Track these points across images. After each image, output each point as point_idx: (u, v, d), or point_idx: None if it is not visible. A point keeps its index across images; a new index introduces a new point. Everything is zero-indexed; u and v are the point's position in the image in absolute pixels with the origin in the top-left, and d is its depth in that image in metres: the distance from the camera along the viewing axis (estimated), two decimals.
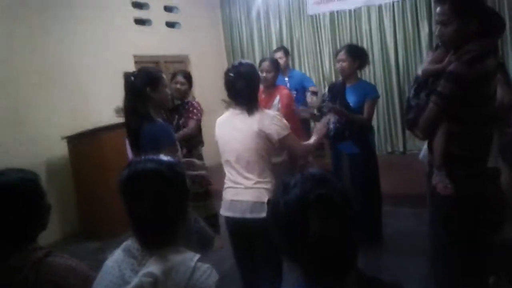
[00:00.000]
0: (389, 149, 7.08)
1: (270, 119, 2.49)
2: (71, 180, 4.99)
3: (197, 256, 1.34)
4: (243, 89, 2.52)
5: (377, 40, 6.98)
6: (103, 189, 4.47)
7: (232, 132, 2.56)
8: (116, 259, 1.36)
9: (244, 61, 2.72)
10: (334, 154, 3.91)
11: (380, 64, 6.97)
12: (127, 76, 2.64)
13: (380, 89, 6.96)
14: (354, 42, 7.01)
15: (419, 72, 2.43)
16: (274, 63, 4.00)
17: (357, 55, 3.73)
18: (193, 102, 4.17)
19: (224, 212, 2.63)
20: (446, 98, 2.17)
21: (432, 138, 2.34)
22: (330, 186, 1.03)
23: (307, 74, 7.35)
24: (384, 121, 7.04)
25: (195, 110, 4.10)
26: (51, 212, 1.61)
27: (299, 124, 4.04)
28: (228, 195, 2.61)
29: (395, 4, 6.80)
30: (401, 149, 6.99)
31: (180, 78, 4.08)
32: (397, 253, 3.66)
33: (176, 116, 4.03)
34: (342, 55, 3.73)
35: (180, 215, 1.39)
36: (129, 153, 2.85)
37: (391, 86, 6.95)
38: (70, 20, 5.25)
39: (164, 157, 1.41)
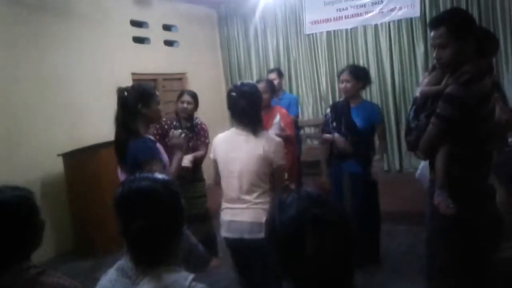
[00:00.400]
0: (386, 168, 7.08)
1: (276, 145, 2.52)
2: (66, 197, 4.96)
3: (192, 276, 1.33)
4: (247, 108, 2.53)
5: (373, 59, 7.06)
6: (98, 207, 4.44)
7: (234, 153, 2.54)
8: (110, 279, 1.34)
9: (246, 81, 2.75)
10: (335, 173, 3.86)
11: (376, 83, 7.02)
12: (120, 91, 2.68)
13: None
14: (351, 61, 7.12)
15: (417, 93, 2.46)
16: (270, 84, 4.09)
17: (360, 75, 3.74)
18: (203, 125, 4.16)
19: (223, 232, 2.62)
20: (445, 120, 2.20)
21: (433, 157, 2.35)
22: (326, 205, 1.04)
23: (304, 92, 7.44)
24: None
25: (206, 134, 4.11)
26: (45, 229, 1.59)
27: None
28: (226, 216, 2.59)
29: (391, 24, 6.90)
30: (397, 167, 7.00)
31: (187, 98, 4.05)
32: (393, 272, 3.63)
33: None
34: (345, 75, 3.71)
35: (175, 234, 1.37)
36: (119, 171, 2.83)
37: (387, 105, 6.99)
38: (68, 37, 5.29)
39: (159, 175, 1.40)
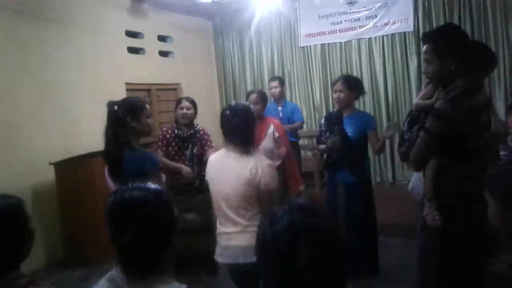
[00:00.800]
0: (379, 179, 7.10)
1: (264, 168, 2.43)
2: (57, 206, 4.91)
3: (184, 286, 1.31)
4: (241, 126, 2.50)
5: (367, 72, 7.11)
6: (90, 216, 4.40)
7: (222, 175, 2.50)
8: None
9: (240, 102, 2.75)
10: (329, 184, 3.89)
11: (370, 96, 7.07)
12: (110, 105, 2.75)
13: None
14: (344, 73, 7.15)
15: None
16: (262, 95, 4.08)
17: (354, 85, 3.76)
18: (205, 130, 4.11)
19: (218, 258, 2.57)
20: (432, 135, 2.22)
21: (423, 170, 2.38)
22: (318, 216, 1.03)
23: (298, 104, 7.44)
24: None
25: (210, 138, 4.08)
26: (36, 238, 1.57)
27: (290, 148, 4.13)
28: (222, 241, 2.54)
29: (385, 38, 6.97)
30: (390, 179, 7.01)
31: (186, 103, 3.99)
32: (387, 284, 3.63)
33: (190, 145, 3.93)
34: (339, 85, 3.73)
35: (167, 244, 1.36)
36: (108, 181, 2.86)
37: (381, 118, 7.03)
38: (63, 45, 5.28)
39: (151, 185, 1.39)
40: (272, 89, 5.80)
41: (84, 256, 4.59)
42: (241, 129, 2.50)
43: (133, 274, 1.29)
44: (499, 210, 1.29)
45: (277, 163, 3.22)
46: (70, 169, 4.82)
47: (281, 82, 5.83)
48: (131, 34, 6.47)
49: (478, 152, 2.26)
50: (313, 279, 0.98)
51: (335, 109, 4.05)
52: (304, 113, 7.70)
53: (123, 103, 2.75)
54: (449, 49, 2.20)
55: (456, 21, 6.39)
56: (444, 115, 2.15)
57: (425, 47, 2.30)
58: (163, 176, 3.74)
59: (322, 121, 3.97)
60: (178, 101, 4.10)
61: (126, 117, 2.68)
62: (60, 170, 4.86)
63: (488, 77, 6.07)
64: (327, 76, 7.48)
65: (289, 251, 0.99)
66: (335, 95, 3.76)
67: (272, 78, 6.05)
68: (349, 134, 3.67)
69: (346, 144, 3.64)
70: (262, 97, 4.05)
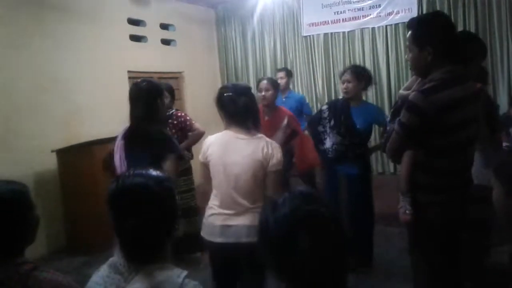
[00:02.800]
0: (380, 170, 7.11)
1: (273, 149, 2.40)
2: (59, 194, 4.94)
3: (185, 273, 1.32)
4: (250, 105, 2.43)
5: (369, 62, 7.08)
6: (91, 204, 4.42)
7: (231, 157, 2.39)
8: (102, 275, 1.34)
9: (237, 82, 2.74)
10: (329, 176, 3.80)
11: (373, 86, 7.04)
12: (139, 85, 2.85)
13: None
14: (347, 64, 7.13)
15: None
16: (273, 82, 4.03)
17: (362, 76, 3.65)
18: (180, 113, 4.10)
19: (212, 238, 2.44)
20: (404, 127, 2.13)
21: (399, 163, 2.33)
22: (319, 203, 1.04)
23: (301, 93, 7.42)
24: (375, 141, 7.08)
25: (185, 116, 4.06)
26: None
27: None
28: (217, 221, 2.43)
29: (388, 27, 6.94)
30: (391, 170, 7.03)
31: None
32: (386, 274, 3.64)
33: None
34: (348, 75, 3.61)
35: (169, 231, 1.36)
36: (117, 160, 2.85)
37: (383, 107, 7.00)
38: (66, 34, 5.27)
39: (152, 171, 1.38)
40: (278, 79, 5.78)
41: (86, 243, 4.62)
42: (250, 108, 2.44)
43: (134, 260, 1.30)
44: (505, 196, 1.30)
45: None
46: (72, 156, 4.83)
47: (288, 73, 5.81)
48: (133, 22, 6.45)
49: (454, 149, 2.15)
50: (314, 266, 0.99)
51: (340, 98, 3.94)
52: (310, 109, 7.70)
53: (152, 84, 2.85)
54: (428, 39, 2.10)
55: (460, 10, 6.36)
56: (415, 107, 2.06)
57: (408, 33, 2.22)
58: None
59: (324, 107, 3.78)
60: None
61: (158, 98, 2.79)
62: (62, 158, 4.88)
63: (492, 70, 6.05)
64: (330, 66, 7.46)
65: (290, 237, 1.00)
66: (343, 86, 3.65)
67: (280, 69, 6.04)
68: (358, 126, 3.57)
69: (354, 137, 3.57)
70: (273, 84, 3.99)
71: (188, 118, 4.07)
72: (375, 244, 3.87)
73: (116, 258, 1.34)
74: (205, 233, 2.49)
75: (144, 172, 1.36)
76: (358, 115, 3.59)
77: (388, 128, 2.43)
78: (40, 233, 1.54)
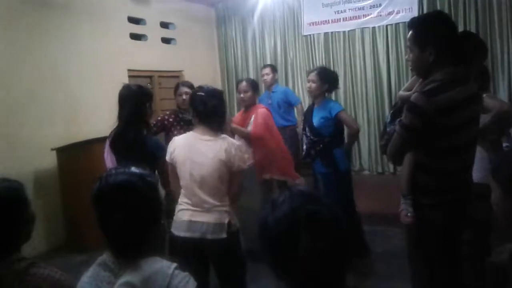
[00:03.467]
0: (380, 170, 7.10)
1: (236, 149, 2.55)
2: (59, 192, 4.93)
3: (175, 264, 1.35)
4: (218, 107, 2.57)
5: (370, 61, 7.07)
6: (90, 202, 4.41)
7: (196, 157, 2.52)
8: (91, 275, 1.35)
9: (207, 85, 2.78)
10: (313, 174, 3.98)
11: (373, 85, 7.06)
12: (127, 88, 2.90)
13: (372, 110, 7.09)
14: (348, 63, 7.16)
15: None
16: (252, 83, 4.07)
17: (327, 78, 3.82)
18: None
19: (180, 232, 2.55)
20: (406, 128, 2.11)
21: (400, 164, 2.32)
22: (319, 203, 1.03)
23: (300, 93, 7.42)
24: (375, 141, 7.08)
25: None
26: (37, 223, 1.59)
27: (280, 138, 4.10)
28: (185, 216, 2.55)
29: (389, 27, 6.92)
30: (391, 169, 7.02)
31: (184, 89, 3.99)
32: (386, 274, 3.63)
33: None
34: (312, 76, 3.83)
35: (153, 225, 1.39)
36: (109, 162, 2.90)
37: (383, 106, 7.02)
38: (66, 32, 5.27)
39: (135, 169, 1.41)
40: (264, 76, 5.88)
41: (84, 242, 4.60)
42: (219, 110, 2.57)
43: (123, 256, 1.32)
44: (503, 198, 1.29)
45: (248, 163, 3.10)
46: (72, 155, 4.83)
47: (273, 68, 5.96)
48: (133, 20, 6.44)
49: (455, 150, 2.13)
50: (314, 265, 0.99)
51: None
52: (306, 102, 7.66)
53: (142, 89, 2.88)
54: (429, 40, 2.08)
55: (461, 10, 6.35)
56: (416, 108, 2.03)
57: (408, 33, 2.20)
58: None
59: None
60: (176, 87, 4.11)
61: (146, 102, 2.81)
62: (62, 156, 4.88)
63: (492, 70, 6.04)
64: (330, 65, 7.42)
65: (290, 237, 0.99)
66: (308, 85, 3.88)
67: (264, 66, 6.23)
68: (314, 124, 3.76)
69: (314, 135, 3.75)
70: (252, 85, 4.03)
71: None
72: (375, 244, 3.87)
73: (105, 256, 1.36)
74: (173, 228, 2.60)
75: (126, 169, 1.40)
76: (317, 113, 3.81)
77: (388, 129, 2.42)
78: (39, 231, 1.55)
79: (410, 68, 2.33)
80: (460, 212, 2.22)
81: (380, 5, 6.90)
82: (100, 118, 5.32)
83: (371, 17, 6.99)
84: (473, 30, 6.14)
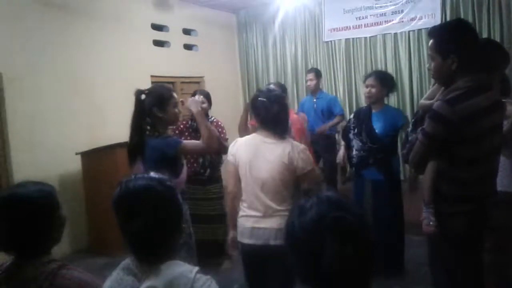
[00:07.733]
0: (402, 177, 7.00)
1: (299, 152, 2.47)
2: (83, 196, 5.03)
3: (196, 268, 1.35)
4: (280, 114, 2.50)
5: (391, 68, 7.00)
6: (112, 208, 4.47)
7: (259, 160, 2.48)
8: (115, 279, 1.36)
9: (272, 87, 2.72)
10: (356, 181, 3.83)
11: (394, 92, 6.98)
12: (138, 93, 2.71)
13: None
14: (369, 69, 7.08)
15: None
16: (281, 87, 4.04)
17: (386, 81, 3.70)
18: (219, 122, 4.19)
19: (244, 239, 2.54)
20: (429, 137, 2.09)
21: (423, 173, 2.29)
22: (347, 209, 1.03)
23: None
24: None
25: (224, 131, 4.14)
26: None
27: (310, 144, 4.11)
28: (248, 222, 2.53)
29: (411, 33, 6.86)
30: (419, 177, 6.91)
31: (200, 98, 4.05)
32: (411, 283, 3.58)
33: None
34: (371, 80, 3.67)
35: (175, 229, 1.41)
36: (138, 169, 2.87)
37: (405, 113, 6.92)
38: (90, 38, 5.38)
39: (154, 174, 1.43)
40: (308, 81, 5.85)
41: (107, 245, 4.67)
42: (281, 117, 2.52)
43: (145, 260, 1.34)
44: None
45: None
46: (96, 159, 4.91)
47: (317, 74, 5.87)
48: (156, 27, 6.54)
49: (479, 158, 2.10)
50: (339, 272, 0.98)
51: (365, 105, 3.97)
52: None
53: (150, 93, 2.72)
54: (452, 48, 2.06)
55: (485, 17, 6.24)
56: (439, 116, 2.01)
57: (430, 42, 2.18)
58: None
59: (351, 116, 3.90)
60: (192, 95, 4.15)
61: (153, 107, 2.65)
62: (86, 160, 4.97)
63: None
64: (351, 71, 7.42)
65: (315, 243, 0.99)
66: (366, 90, 3.70)
67: (309, 70, 6.10)
68: (377, 131, 3.60)
69: (374, 142, 3.59)
70: (282, 89, 4.03)
71: (224, 131, 4.17)
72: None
73: (129, 260, 1.37)
74: (238, 235, 2.59)
75: (145, 175, 1.42)
76: (378, 119, 3.64)
77: (410, 138, 2.40)
78: (64, 234, 1.58)
79: (431, 76, 2.30)
80: (482, 221, 2.19)
81: (402, 11, 6.84)
82: (123, 123, 5.38)
83: (393, 23, 6.94)
84: (497, 35, 6.05)
